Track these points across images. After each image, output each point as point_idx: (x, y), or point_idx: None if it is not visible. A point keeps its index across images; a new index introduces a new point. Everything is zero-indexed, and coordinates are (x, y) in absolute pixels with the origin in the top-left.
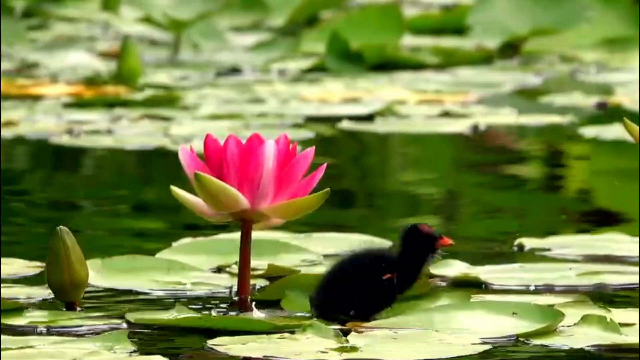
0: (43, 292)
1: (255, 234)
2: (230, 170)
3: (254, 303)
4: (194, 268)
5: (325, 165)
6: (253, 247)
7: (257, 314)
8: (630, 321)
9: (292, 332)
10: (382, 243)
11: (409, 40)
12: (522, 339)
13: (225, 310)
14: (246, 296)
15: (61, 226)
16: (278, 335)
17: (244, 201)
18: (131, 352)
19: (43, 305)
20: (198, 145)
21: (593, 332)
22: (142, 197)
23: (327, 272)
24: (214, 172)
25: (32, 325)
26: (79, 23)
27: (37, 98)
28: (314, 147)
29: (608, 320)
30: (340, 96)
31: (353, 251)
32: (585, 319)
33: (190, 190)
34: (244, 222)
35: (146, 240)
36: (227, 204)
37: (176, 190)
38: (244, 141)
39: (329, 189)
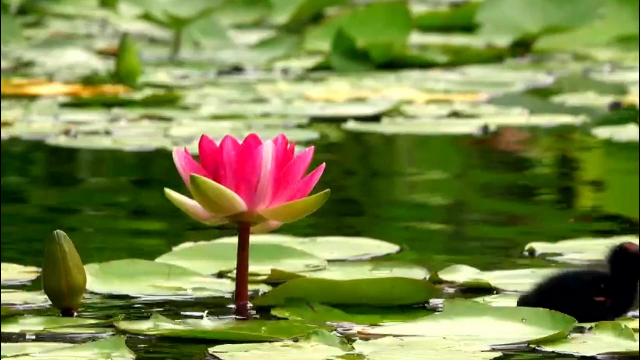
0: (39, 298)
1: (258, 238)
2: (226, 172)
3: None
4: (194, 273)
5: (323, 165)
6: (255, 252)
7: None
8: None
9: (296, 340)
10: (389, 247)
11: (416, 38)
12: (533, 346)
13: (225, 316)
14: (245, 302)
15: (58, 230)
16: (281, 343)
17: (241, 204)
18: None
19: (39, 311)
20: (194, 147)
21: (606, 338)
22: (141, 200)
23: (547, 278)
24: (210, 174)
25: (28, 332)
26: (76, 20)
27: (33, 98)
28: (312, 147)
29: (622, 327)
30: (346, 96)
31: (576, 268)
32: (598, 325)
33: (188, 193)
34: (241, 225)
35: (145, 244)
36: (224, 207)
37: (170, 192)
38: (241, 142)
39: (328, 190)
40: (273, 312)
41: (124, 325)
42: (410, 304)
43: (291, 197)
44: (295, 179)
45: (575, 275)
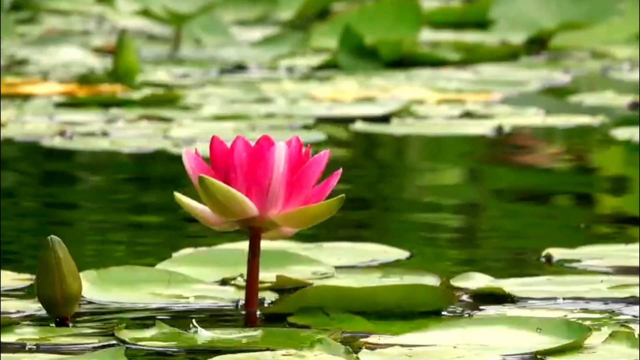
0: (34, 307)
1: (263, 245)
2: (237, 174)
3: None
4: (196, 280)
5: (340, 170)
6: (260, 258)
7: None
8: None
9: (300, 349)
10: (398, 253)
11: (427, 35)
12: (546, 356)
13: (229, 325)
14: (254, 310)
15: (52, 236)
16: (283, 352)
17: (251, 207)
18: None
19: (33, 320)
20: (201, 148)
21: (619, 349)
22: (140, 204)
23: None
24: (220, 176)
25: (21, 342)
26: (72, 16)
27: (26, 97)
28: (328, 150)
29: (636, 336)
30: (354, 95)
31: None
32: (614, 335)
33: (193, 198)
34: (252, 231)
35: (145, 250)
36: (235, 211)
37: (180, 197)
38: (252, 143)
39: (344, 195)
40: (284, 321)
41: (125, 334)
42: (428, 312)
43: (305, 203)
44: (310, 183)
45: None
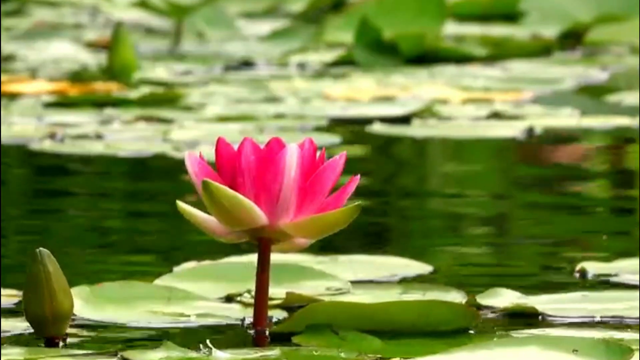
0: (22, 325)
1: (272, 258)
2: (245, 179)
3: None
4: (199, 297)
5: (358, 177)
6: (270, 273)
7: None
8: None
9: None
10: (420, 267)
11: (452, 29)
12: None
13: (236, 346)
14: (263, 328)
15: (41, 248)
16: None
17: (261, 216)
18: None
19: (21, 340)
20: (205, 152)
21: None
22: (137, 213)
23: None
24: (227, 182)
25: None
26: (63, 8)
27: (13, 96)
28: (344, 153)
29: None
30: (371, 94)
31: None
32: None
33: (196, 206)
34: (261, 242)
35: (143, 264)
36: (242, 220)
37: (184, 206)
38: (261, 146)
39: (360, 202)
40: (294, 340)
41: (135, 355)
42: (448, 331)
43: (319, 211)
44: (324, 190)
45: None
